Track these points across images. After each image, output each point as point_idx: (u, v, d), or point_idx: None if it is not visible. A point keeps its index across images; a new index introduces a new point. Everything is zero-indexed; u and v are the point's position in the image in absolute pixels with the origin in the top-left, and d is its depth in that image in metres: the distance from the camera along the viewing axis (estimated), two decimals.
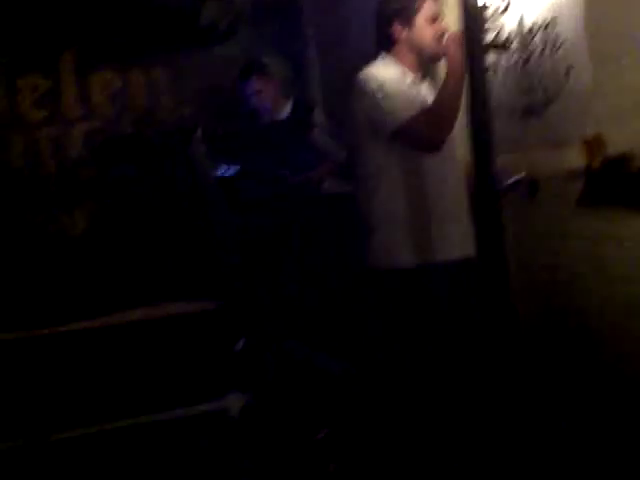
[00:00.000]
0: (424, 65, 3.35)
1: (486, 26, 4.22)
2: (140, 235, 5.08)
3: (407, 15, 3.04)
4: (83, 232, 5.52)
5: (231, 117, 5.37)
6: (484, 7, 4.10)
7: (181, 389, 2.91)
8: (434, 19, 3.09)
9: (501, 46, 2.98)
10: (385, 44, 3.20)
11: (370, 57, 3.61)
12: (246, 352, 2.71)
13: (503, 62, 4.18)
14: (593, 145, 3.50)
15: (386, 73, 3.17)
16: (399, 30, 3.02)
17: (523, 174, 3.24)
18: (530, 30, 3.99)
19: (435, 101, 3.16)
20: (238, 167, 4.36)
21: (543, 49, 3.92)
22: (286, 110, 5.02)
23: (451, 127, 3.18)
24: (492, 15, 4.19)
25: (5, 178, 5.45)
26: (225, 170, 4.40)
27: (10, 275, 4.79)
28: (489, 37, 4.17)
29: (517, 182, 3.21)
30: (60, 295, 4.22)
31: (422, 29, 3.07)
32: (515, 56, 4.11)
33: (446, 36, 3.16)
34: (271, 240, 4.41)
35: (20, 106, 5.57)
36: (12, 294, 4.44)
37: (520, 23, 4.06)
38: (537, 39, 3.95)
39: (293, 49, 6.05)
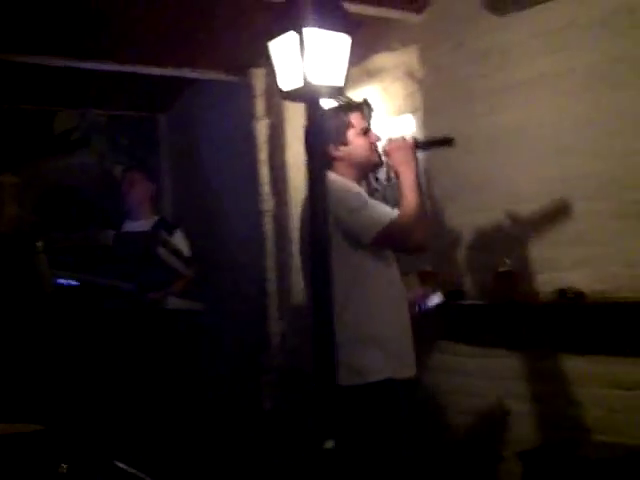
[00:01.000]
0: (365, 175, 3.32)
1: None
2: None
3: (339, 135, 3.05)
4: None
5: (79, 227, 5.33)
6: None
7: None
8: (365, 131, 3.11)
9: (447, 142, 3.04)
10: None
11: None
12: (72, 476, 2.62)
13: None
14: (428, 279, 3.63)
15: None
16: (334, 150, 3.01)
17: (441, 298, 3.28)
18: None
19: (404, 202, 3.03)
20: (79, 279, 4.28)
21: (386, 184, 4.09)
22: (150, 222, 5.06)
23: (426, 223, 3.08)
24: None
25: None
26: (67, 281, 4.31)
27: None
28: None
29: (438, 305, 3.25)
30: None
31: (356, 143, 3.07)
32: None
33: (383, 143, 3.15)
34: (109, 353, 4.34)
35: None
36: None
37: None
38: (381, 173, 4.11)
39: (146, 163, 6.11)
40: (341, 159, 3.02)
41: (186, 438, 4.40)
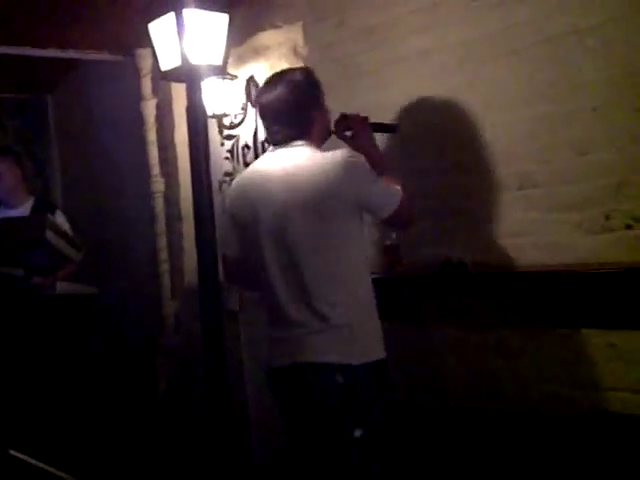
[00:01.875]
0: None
1: (226, 132, 4.43)
2: None
3: (321, 98, 2.99)
4: None
5: None
6: (222, 115, 4.32)
7: None
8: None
9: (391, 128, 3.03)
10: (305, 127, 2.97)
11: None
12: None
13: (241, 170, 4.35)
14: (392, 252, 3.56)
15: None
16: (316, 115, 2.95)
17: None
18: (264, 142, 4.20)
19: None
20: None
21: None
22: (27, 206, 4.96)
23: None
24: (229, 125, 4.39)
25: None
26: None
27: None
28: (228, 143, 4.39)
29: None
30: None
31: (326, 112, 3.03)
32: None
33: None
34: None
35: None
36: None
37: (255, 134, 4.28)
38: None
39: (36, 145, 6.02)
40: (319, 124, 2.92)
41: (79, 423, 4.39)
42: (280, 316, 2.75)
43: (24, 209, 4.92)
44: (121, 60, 5.01)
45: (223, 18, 2.71)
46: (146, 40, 4.70)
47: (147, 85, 4.95)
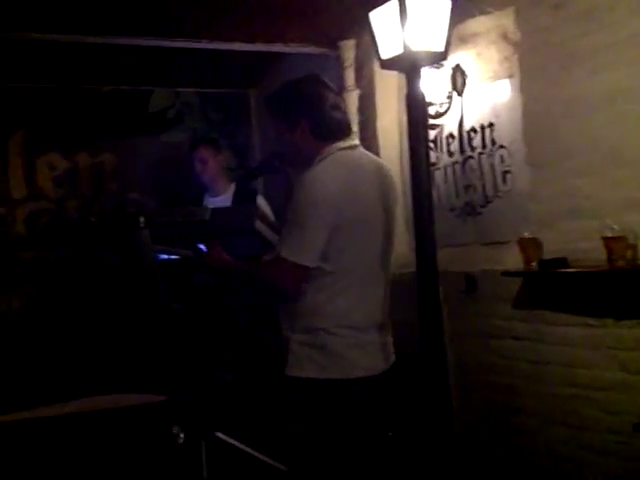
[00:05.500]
0: None
1: (430, 122, 4.38)
2: (82, 325, 5.05)
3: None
4: (18, 314, 5.47)
5: (175, 202, 5.43)
6: (428, 104, 4.27)
7: None
8: None
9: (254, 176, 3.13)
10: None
11: None
12: (187, 446, 2.68)
13: (445, 159, 4.32)
14: (529, 246, 3.61)
15: None
16: None
17: None
18: (470, 131, 4.14)
19: None
20: (180, 254, 4.36)
21: (482, 151, 4.06)
22: (228, 193, 5.16)
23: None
24: (434, 115, 4.34)
25: None
26: (169, 256, 4.39)
27: None
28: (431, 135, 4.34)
29: None
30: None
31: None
32: (456, 155, 4.25)
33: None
34: (211, 327, 4.42)
35: None
36: None
37: (461, 124, 4.21)
38: (476, 140, 4.09)
39: (238, 138, 6.21)
40: None
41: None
42: (371, 320, 2.75)
43: (227, 196, 5.17)
44: (325, 52, 5.06)
45: (445, 3, 2.65)
46: (350, 32, 4.84)
47: (350, 76, 4.98)
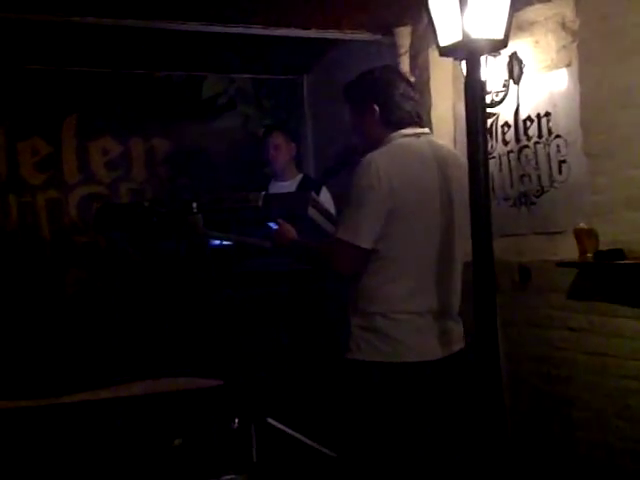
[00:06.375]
0: None
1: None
2: (135, 309, 5.11)
3: None
4: (73, 297, 5.54)
5: (228, 189, 5.45)
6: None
7: (178, 465, 2.89)
8: None
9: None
10: None
11: None
12: (241, 431, 2.70)
13: (500, 148, 4.28)
14: (585, 237, 3.56)
15: None
16: None
17: None
18: (526, 120, 4.09)
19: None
20: (232, 239, 4.38)
21: (538, 140, 4.01)
22: (295, 181, 5.22)
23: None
24: (490, 103, 4.30)
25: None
26: (220, 242, 4.41)
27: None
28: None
29: None
30: (51, 365, 4.22)
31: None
32: (511, 144, 4.21)
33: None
34: (263, 314, 4.44)
35: (20, 169, 5.63)
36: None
37: (517, 112, 4.16)
38: (532, 130, 4.05)
39: (290, 125, 6.20)
40: None
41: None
42: (429, 305, 2.78)
43: (292, 183, 5.21)
44: (379, 39, 5.04)
45: None
46: (405, 18, 4.81)
47: (405, 63, 4.94)
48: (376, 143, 2.85)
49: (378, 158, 2.75)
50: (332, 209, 4.83)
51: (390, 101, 2.87)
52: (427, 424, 2.79)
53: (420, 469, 2.78)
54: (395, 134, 2.84)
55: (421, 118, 2.92)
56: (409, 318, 2.74)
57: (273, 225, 3.21)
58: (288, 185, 5.18)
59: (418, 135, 2.87)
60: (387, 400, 2.72)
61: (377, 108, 2.89)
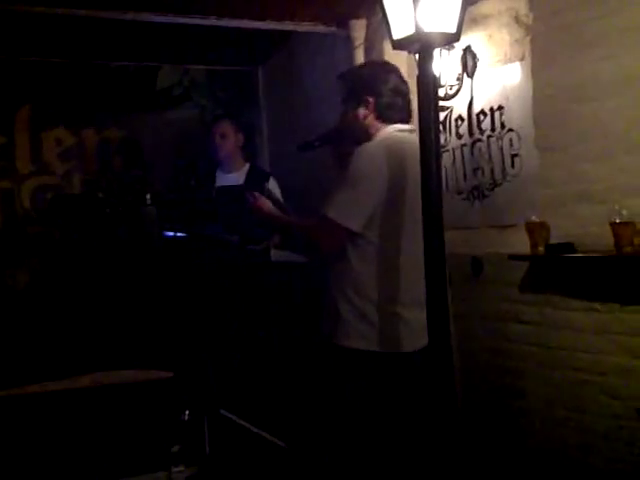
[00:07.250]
0: None
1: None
2: (86, 300, 5.06)
3: None
4: (25, 288, 5.47)
5: (182, 182, 5.42)
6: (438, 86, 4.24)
7: (126, 458, 2.87)
8: None
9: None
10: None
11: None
12: (191, 422, 2.70)
13: (453, 142, 4.30)
14: (536, 230, 3.60)
15: None
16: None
17: None
18: (479, 114, 4.11)
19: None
20: (186, 231, 4.36)
21: (491, 134, 4.04)
22: (242, 172, 5.15)
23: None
24: (444, 97, 4.31)
25: None
26: (174, 233, 4.39)
27: None
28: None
29: None
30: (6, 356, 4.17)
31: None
32: (465, 137, 4.23)
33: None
34: (218, 305, 4.42)
35: None
36: None
37: (470, 106, 4.19)
38: (485, 123, 4.07)
39: (245, 116, 6.18)
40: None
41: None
42: (414, 297, 2.81)
43: (239, 175, 5.13)
44: (334, 31, 5.04)
45: None
46: (360, 11, 4.81)
47: (360, 56, 4.94)
48: (366, 134, 2.97)
49: (375, 148, 2.89)
50: (281, 199, 4.82)
51: (381, 95, 3.01)
52: (412, 412, 2.86)
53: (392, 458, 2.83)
54: (390, 128, 2.98)
55: (411, 116, 3.05)
56: (395, 309, 2.83)
57: (248, 197, 3.24)
58: (235, 177, 5.13)
59: (412, 131, 3.00)
60: (371, 387, 2.80)
61: (371, 100, 3.01)
